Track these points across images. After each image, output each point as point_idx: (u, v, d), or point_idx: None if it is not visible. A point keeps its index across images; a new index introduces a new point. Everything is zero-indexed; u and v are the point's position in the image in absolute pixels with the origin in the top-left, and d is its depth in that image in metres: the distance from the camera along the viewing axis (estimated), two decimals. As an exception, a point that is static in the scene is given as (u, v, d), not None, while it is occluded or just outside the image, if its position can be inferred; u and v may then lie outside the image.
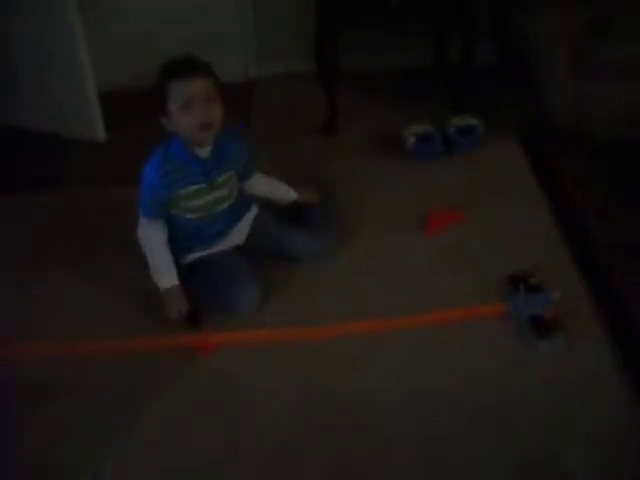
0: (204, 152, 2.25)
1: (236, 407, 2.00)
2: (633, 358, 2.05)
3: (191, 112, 2.13)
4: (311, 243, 2.46)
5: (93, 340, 2.21)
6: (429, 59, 3.68)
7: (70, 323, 2.30)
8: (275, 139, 3.16)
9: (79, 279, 2.47)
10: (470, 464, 1.81)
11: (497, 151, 3.01)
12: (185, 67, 2.15)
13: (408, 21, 3.33)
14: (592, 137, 2.92)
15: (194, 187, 2.26)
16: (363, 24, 3.33)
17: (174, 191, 2.24)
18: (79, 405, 2.02)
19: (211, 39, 3.59)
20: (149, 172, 2.23)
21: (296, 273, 2.43)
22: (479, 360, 2.09)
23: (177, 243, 2.34)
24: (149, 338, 2.21)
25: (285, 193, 2.57)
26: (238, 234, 2.45)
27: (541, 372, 2.03)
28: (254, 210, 2.50)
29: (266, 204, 2.56)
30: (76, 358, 2.17)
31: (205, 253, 2.38)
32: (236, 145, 2.35)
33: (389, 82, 3.61)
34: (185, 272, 2.34)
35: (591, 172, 2.85)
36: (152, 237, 2.30)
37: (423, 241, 2.55)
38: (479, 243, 2.51)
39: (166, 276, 2.28)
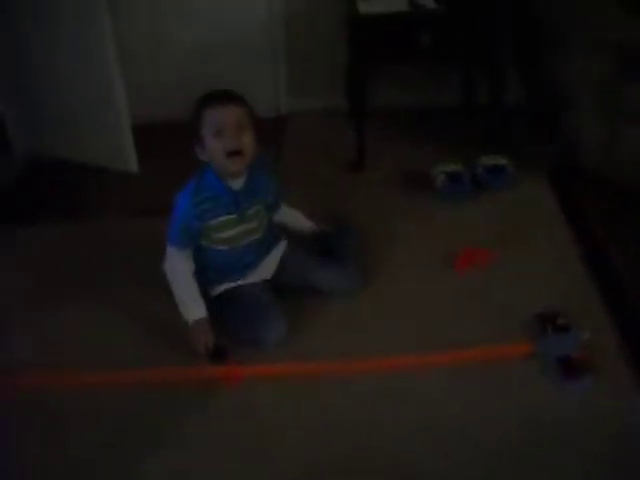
0: (237, 184, 2.28)
1: (256, 441, 1.99)
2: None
3: (222, 139, 2.18)
4: (336, 279, 2.47)
5: (121, 371, 2.23)
6: (458, 98, 3.70)
7: (95, 353, 2.32)
8: (304, 174, 3.19)
9: (104, 310, 2.49)
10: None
11: (526, 191, 3.01)
12: (220, 96, 2.22)
13: (438, 60, 3.36)
14: (621, 179, 2.92)
15: (225, 218, 2.29)
16: (394, 62, 3.36)
17: (205, 221, 2.27)
18: (101, 436, 2.03)
19: (243, 75, 3.64)
20: (182, 201, 2.26)
21: (322, 307, 2.43)
22: (503, 399, 2.06)
23: (206, 274, 2.36)
24: (173, 369, 2.22)
25: (304, 223, 2.62)
26: (267, 267, 2.46)
27: (567, 413, 2.00)
28: (283, 245, 2.51)
29: (294, 239, 2.59)
30: (102, 388, 2.17)
31: (234, 285, 2.39)
32: (267, 178, 2.39)
33: (418, 120, 3.64)
34: (213, 304, 2.35)
35: (620, 214, 2.84)
36: (179, 267, 2.31)
37: (450, 279, 2.55)
38: (507, 283, 2.50)
39: (194, 308, 2.28)
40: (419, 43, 3.04)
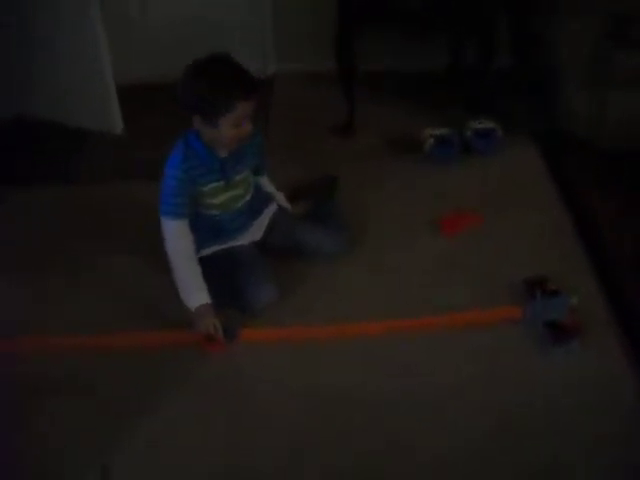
0: (223, 151, 2.26)
1: (240, 404, 1.99)
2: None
3: (238, 127, 2.14)
4: (325, 240, 2.47)
5: (104, 336, 2.21)
6: (447, 62, 3.67)
7: (78, 317, 2.30)
8: (292, 138, 3.16)
9: (90, 274, 2.47)
10: (476, 470, 1.79)
11: (514, 154, 3.01)
12: (253, 87, 2.14)
13: (427, 24, 3.33)
14: (607, 143, 2.92)
15: (213, 185, 2.26)
16: (383, 25, 3.32)
17: (198, 186, 2.24)
18: (85, 401, 2.02)
19: (229, 36, 3.59)
20: (171, 170, 2.20)
21: (309, 272, 2.43)
22: (490, 363, 2.07)
23: (195, 236, 2.32)
24: (156, 334, 2.21)
25: (281, 202, 2.57)
26: (257, 229, 2.45)
27: (554, 377, 2.01)
28: (273, 207, 2.50)
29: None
30: (81, 354, 2.16)
31: (224, 246, 2.38)
32: (253, 144, 2.34)
33: (407, 84, 3.61)
34: (202, 265, 2.32)
35: (606, 177, 2.84)
36: (180, 245, 2.21)
37: (438, 242, 2.55)
38: (495, 247, 2.50)
39: (199, 294, 2.18)
40: (408, 4, 3.00)
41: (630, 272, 2.37)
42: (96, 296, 2.38)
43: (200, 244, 2.35)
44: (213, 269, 2.32)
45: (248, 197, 2.39)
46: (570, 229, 2.58)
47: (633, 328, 2.16)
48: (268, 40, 3.71)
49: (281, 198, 2.57)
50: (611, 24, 2.83)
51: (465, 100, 3.34)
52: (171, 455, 1.86)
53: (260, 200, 2.46)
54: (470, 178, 2.88)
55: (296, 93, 3.60)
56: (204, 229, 2.33)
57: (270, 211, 2.49)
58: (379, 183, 2.86)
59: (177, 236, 2.21)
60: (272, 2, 3.62)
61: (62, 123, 3.32)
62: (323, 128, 3.26)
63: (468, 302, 2.27)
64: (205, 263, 2.31)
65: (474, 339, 2.14)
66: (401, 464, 1.81)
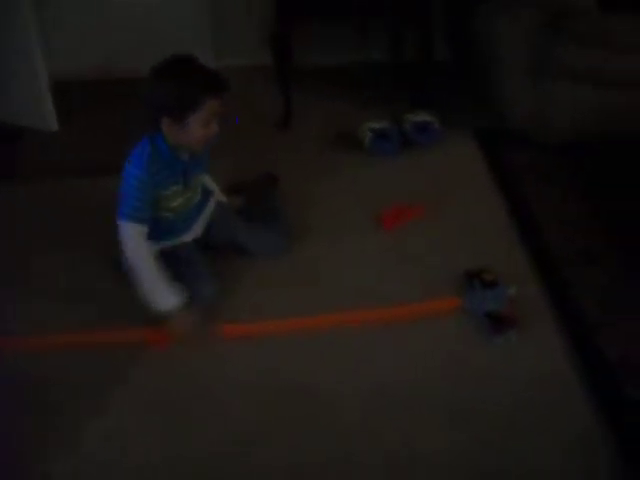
0: (184, 155, 2.23)
1: (191, 400, 1.98)
2: (584, 352, 2.09)
3: (207, 127, 2.12)
4: (264, 241, 2.47)
5: (53, 335, 2.17)
6: (386, 55, 3.68)
7: (22, 319, 2.25)
8: (231, 133, 3.12)
9: (24, 273, 2.42)
10: (431, 463, 1.80)
11: (454, 148, 3.03)
12: (222, 85, 2.13)
13: (366, 17, 3.33)
14: (546, 136, 2.96)
15: (174, 188, 2.24)
16: (321, 18, 3.31)
17: (159, 191, 2.20)
18: (33, 398, 1.98)
19: (168, 32, 3.55)
20: (136, 171, 2.12)
21: (252, 267, 2.42)
22: (434, 357, 2.09)
23: None
24: (104, 332, 2.17)
25: (218, 196, 2.55)
26: (200, 225, 2.44)
27: (493, 368, 2.04)
28: (212, 202, 2.49)
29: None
30: (29, 352, 2.12)
31: (170, 244, 2.35)
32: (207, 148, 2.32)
33: (346, 78, 3.61)
34: None
35: (545, 170, 2.88)
36: (143, 251, 2.14)
37: (379, 237, 2.56)
38: (434, 240, 2.52)
39: (169, 295, 2.12)
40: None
41: (569, 263, 2.42)
42: (35, 296, 2.32)
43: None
44: None
45: (199, 198, 2.39)
46: (509, 221, 2.62)
47: (571, 318, 2.21)
48: (206, 36, 3.67)
49: (218, 193, 2.56)
50: (548, 18, 2.86)
51: (407, 93, 3.35)
52: (123, 451, 1.85)
53: (203, 197, 2.45)
54: (410, 172, 2.90)
55: (234, 88, 3.55)
56: (154, 228, 2.27)
57: (210, 207, 2.47)
58: (319, 178, 2.86)
59: (138, 240, 2.14)
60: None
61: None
62: (262, 123, 3.24)
63: (410, 295, 2.28)
64: None
65: (417, 331, 2.16)
66: (354, 463, 1.81)
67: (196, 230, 2.43)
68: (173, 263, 2.28)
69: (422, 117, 3.06)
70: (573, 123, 2.92)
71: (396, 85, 3.47)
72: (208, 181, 2.53)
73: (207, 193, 2.49)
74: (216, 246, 2.45)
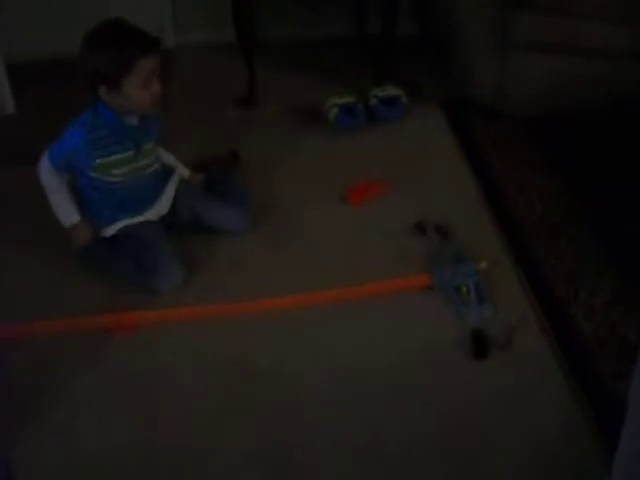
0: (133, 120, 2.21)
1: (154, 389, 1.94)
2: (555, 325, 2.10)
3: (148, 87, 2.11)
4: (226, 216, 2.44)
5: (9, 324, 2.12)
6: (350, 29, 3.64)
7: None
8: (193, 110, 3.08)
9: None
10: (398, 445, 1.79)
11: (421, 122, 3.00)
12: (152, 43, 2.10)
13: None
14: (512, 109, 2.95)
15: (122, 155, 2.22)
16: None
17: (102, 157, 2.18)
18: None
19: (125, 7, 3.46)
20: (75, 133, 2.17)
21: (217, 247, 2.39)
22: (405, 335, 2.07)
23: (101, 212, 2.30)
24: (64, 320, 2.12)
25: (180, 170, 2.53)
26: (164, 202, 2.41)
27: (462, 348, 2.03)
28: (176, 178, 2.46)
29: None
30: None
31: (133, 221, 2.32)
32: (157, 114, 2.32)
33: (310, 53, 3.55)
34: (107, 244, 2.31)
35: (512, 143, 2.87)
36: (53, 181, 2.26)
37: (346, 212, 2.53)
38: (402, 214, 2.49)
39: (69, 215, 2.29)
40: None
41: (535, 235, 2.41)
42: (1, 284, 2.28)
43: (104, 221, 2.31)
44: (120, 248, 2.30)
45: (156, 165, 2.36)
46: (476, 195, 2.61)
47: (540, 289, 2.21)
48: (167, 11, 3.59)
49: (181, 167, 2.53)
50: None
51: (372, 68, 3.31)
52: (88, 436, 1.82)
53: (165, 172, 2.43)
54: (376, 147, 2.86)
55: (198, 64, 3.50)
56: (109, 204, 2.30)
57: (174, 182, 2.44)
58: (283, 154, 2.82)
59: (51, 176, 2.25)
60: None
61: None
62: (226, 99, 3.18)
63: (378, 272, 2.26)
64: (112, 242, 2.31)
65: (387, 310, 2.14)
66: (321, 449, 1.79)
67: (160, 207, 2.40)
68: (136, 247, 2.27)
69: (388, 91, 3.02)
70: (537, 95, 2.91)
71: (361, 59, 3.43)
72: (170, 157, 2.51)
73: (169, 169, 2.47)
74: (181, 225, 2.42)
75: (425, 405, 1.88)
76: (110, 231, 2.32)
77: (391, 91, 3.01)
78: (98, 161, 2.19)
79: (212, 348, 2.05)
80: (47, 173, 2.25)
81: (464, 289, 2.12)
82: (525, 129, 2.90)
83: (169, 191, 2.42)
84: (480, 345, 2.00)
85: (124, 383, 1.96)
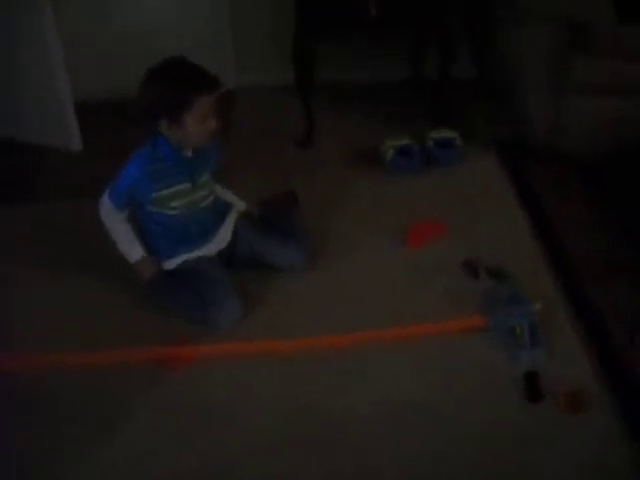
0: (188, 152, 2.29)
1: (211, 422, 1.96)
2: (612, 371, 2.06)
3: (206, 123, 2.19)
4: (289, 252, 2.47)
5: (64, 353, 2.16)
6: (407, 72, 3.69)
7: (41, 336, 2.25)
8: (253, 150, 3.15)
9: (49, 292, 2.43)
10: None
11: (476, 164, 3.02)
12: (211, 82, 2.19)
13: (387, 34, 3.34)
14: (569, 151, 2.95)
15: (178, 187, 2.29)
16: (342, 37, 3.33)
17: (159, 191, 2.26)
18: (48, 419, 1.97)
19: (188, 50, 3.56)
20: (133, 166, 2.25)
21: (273, 284, 2.42)
22: (458, 375, 2.06)
23: (161, 245, 2.36)
24: (120, 351, 2.16)
25: (237, 204, 2.57)
26: (223, 236, 2.45)
27: (516, 389, 2.01)
28: (234, 213, 2.50)
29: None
30: (45, 371, 2.11)
31: (192, 255, 2.37)
32: (214, 148, 2.38)
33: (367, 95, 3.62)
34: (166, 279, 2.36)
35: (568, 185, 2.86)
36: (115, 218, 2.33)
37: (403, 254, 2.54)
38: (456, 256, 2.50)
39: (133, 251, 2.35)
40: (368, 12, 3.00)
41: (594, 277, 2.39)
42: (62, 313, 2.34)
43: (167, 253, 2.37)
44: (179, 282, 2.35)
45: (212, 197, 2.42)
46: (531, 236, 2.60)
47: (594, 330, 2.19)
48: (228, 53, 3.70)
49: (237, 201, 2.57)
50: (568, 30, 2.86)
51: (428, 110, 3.35)
52: (142, 468, 1.83)
53: (222, 205, 2.49)
54: (431, 189, 2.89)
55: (256, 106, 3.58)
56: (170, 237, 2.36)
57: (232, 217, 2.49)
58: (340, 195, 2.86)
59: (113, 215, 2.33)
60: (231, 13, 3.59)
61: (20, 140, 3.27)
62: (284, 140, 3.25)
63: (434, 312, 2.26)
64: (171, 276, 2.36)
65: (440, 350, 2.13)
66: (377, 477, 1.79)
67: (219, 241, 2.44)
68: (195, 282, 2.31)
69: (444, 134, 3.05)
70: (594, 136, 2.91)
71: (418, 102, 3.47)
72: (227, 193, 2.56)
73: (228, 205, 2.52)
74: (238, 261, 2.47)
75: (479, 444, 1.87)
76: (170, 265, 2.38)
77: (447, 134, 3.04)
78: (156, 194, 2.26)
79: (265, 383, 2.06)
80: (108, 212, 2.33)
81: (518, 330, 2.12)
82: (580, 171, 2.90)
83: (228, 225, 2.47)
84: (534, 388, 1.99)
85: (179, 415, 1.98)
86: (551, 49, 2.88)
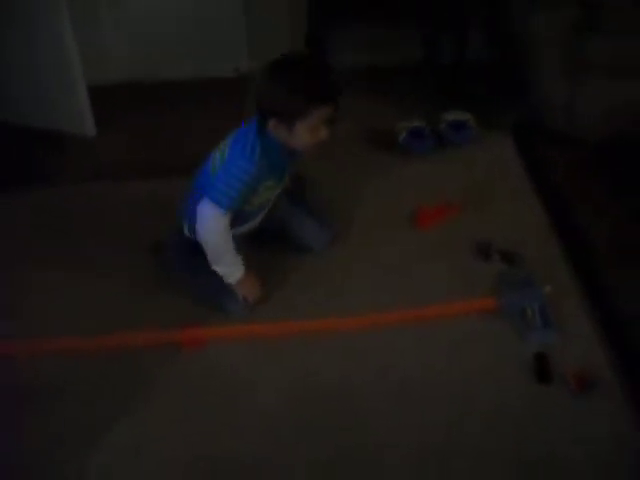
0: (284, 153, 2.23)
1: (225, 403, 1.98)
2: (622, 354, 2.05)
3: (316, 132, 2.10)
4: (317, 230, 2.47)
5: (78, 337, 2.19)
6: (421, 55, 3.67)
7: (57, 320, 2.28)
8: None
9: (66, 276, 2.44)
10: (463, 463, 1.79)
11: (489, 146, 3.01)
12: (334, 93, 2.09)
13: (400, 18, 3.33)
14: (584, 134, 2.93)
15: (267, 183, 2.23)
16: (355, 21, 3.32)
17: (256, 186, 2.20)
18: (63, 403, 2.00)
19: (201, 35, 3.59)
20: (245, 163, 2.11)
21: (287, 266, 2.43)
22: (471, 355, 2.07)
23: None
24: (134, 334, 2.19)
25: None
26: (259, 217, 2.41)
27: (525, 370, 2.02)
28: None
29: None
30: (59, 355, 2.14)
31: (234, 232, 2.27)
32: None
33: (380, 78, 3.60)
34: (194, 255, 2.29)
35: (583, 169, 2.85)
36: (226, 235, 2.19)
37: (414, 235, 2.55)
38: (470, 238, 2.49)
39: (238, 269, 2.24)
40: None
41: (606, 262, 2.38)
42: (79, 298, 2.36)
43: None
44: (202, 261, 2.29)
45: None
46: (546, 219, 2.59)
47: (607, 316, 2.18)
48: (241, 38, 3.69)
49: None
50: (582, 12, 2.83)
51: (441, 92, 3.34)
52: (156, 451, 1.86)
53: None
54: (445, 171, 2.88)
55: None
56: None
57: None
58: (353, 177, 2.86)
59: (224, 227, 2.17)
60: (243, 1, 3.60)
61: (35, 127, 3.29)
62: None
63: (444, 294, 2.27)
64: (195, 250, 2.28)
65: (452, 332, 2.15)
66: (385, 460, 1.81)
67: (255, 221, 2.40)
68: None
69: (457, 116, 3.04)
70: (609, 119, 2.88)
71: (432, 85, 3.46)
72: None
73: None
74: (264, 236, 2.44)
75: (488, 422, 1.88)
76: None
77: (459, 116, 3.03)
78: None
79: (279, 365, 2.09)
80: (220, 227, 2.16)
81: (529, 312, 2.12)
82: (595, 154, 2.87)
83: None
84: (543, 369, 1.99)
85: (191, 398, 2.01)
86: (566, 30, 2.85)
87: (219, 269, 2.23)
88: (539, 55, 2.97)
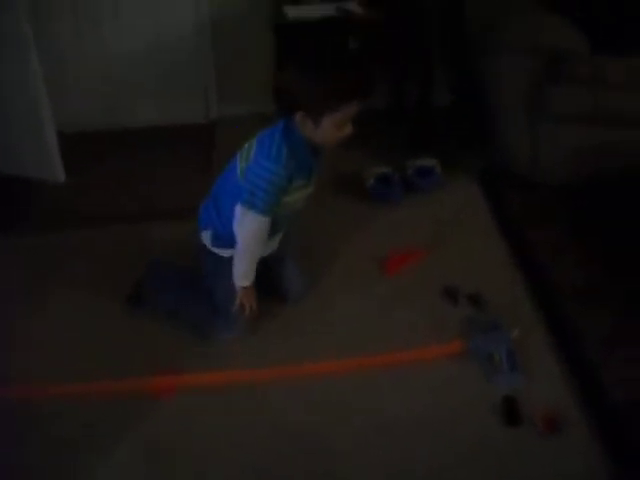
0: (308, 150, 2.18)
1: (191, 451, 1.99)
2: (588, 392, 2.10)
3: (342, 127, 2.07)
4: (300, 282, 2.49)
5: (47, 385, 2.18)
6: (386, 101, 3.73)
7: (24, 367, 2.26)
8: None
9: (36, 322, 2.43)
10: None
11: (456, 192, 3.07)
12: (364, 89, 2.05)
13: (366, 65, 3.38)
14: (549, 179, 2.99)
15: (300, 182, 2.19)
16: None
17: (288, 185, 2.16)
18: (33, 451, 1.99)
19: (171, 81, 3.62)
20: (273, 166, 2.07)
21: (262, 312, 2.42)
22: (440, 399, 2.10)
23: (230, 235, 2.24)
24: (108, 382, 2.18)
25: None
26: (273, 245, 2.42)
27: (494, 411, 2.05)
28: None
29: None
30: (28, 403, 2.13)
31: None
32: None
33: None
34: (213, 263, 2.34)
35: (546, 212, 2.90)
36: (257, 244, 2.20)
37: (383, 281, 2.58)
38: (439, 282, 2.53)
39: (251, 277, 2.26)
40: (347, 45, 3.04)
41: (569, 302, 2.43)
42: (54, 347, 2.34)
43: (233, 243, 2.25)
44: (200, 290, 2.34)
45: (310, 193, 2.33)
46: (510, 262, 2.64)
47: (573, 356, 2.22)
48: (211, 83, 3.73)
49: None
50: (544, 61, 2.91)
51: (408, 139, 3.39)
52: None
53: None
54: (412, 216, 2.93)
55: (239, 135, 3.59)
56: None
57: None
58: (321, 223, 2.87)
59: (259, 231, 2.18)
60: (213, 45, 3.63)
61: (3, 172, 3.28)
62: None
63: (414, 339, 2.30)
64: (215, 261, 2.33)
65: (421, 375, 2.18)
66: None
67: (273, 243, 2.40)
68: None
69: (423, 162, 3.09)
70: (571, 163, 2.95)
71: (398, 131, 3.51)
72: None
73: None
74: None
75: (460, 464, 1.91)
76: (225, 252, 2.31)
77: (426, 161, 3.09)
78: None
79: (253, 410, 2.10)
80: (262, 229, 2.17)
81: (496, 357, 2.15)
82: (558, 198, 2.93)
83: (280, 235, 2.43)
84: (512, 412, 2.02)
85: (166, 444, 2.01)
86: (528, 79, 2.92)
87: (241, 268, 2.24)
88: (503, 102, 3.03)
